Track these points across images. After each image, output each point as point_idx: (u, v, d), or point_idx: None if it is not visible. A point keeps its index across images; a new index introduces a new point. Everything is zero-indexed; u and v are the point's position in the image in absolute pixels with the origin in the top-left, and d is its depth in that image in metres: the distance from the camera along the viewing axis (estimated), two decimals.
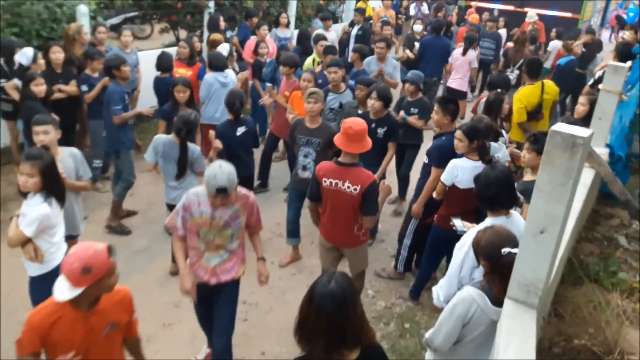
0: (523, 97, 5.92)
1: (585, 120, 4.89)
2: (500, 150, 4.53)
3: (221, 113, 6.25)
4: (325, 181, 3.80)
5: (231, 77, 6.32)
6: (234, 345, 3.67)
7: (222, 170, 3.03)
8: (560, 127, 2.29)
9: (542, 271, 2.37)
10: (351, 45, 8.97)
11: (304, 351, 2.15)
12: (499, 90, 5.66)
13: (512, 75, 8.70)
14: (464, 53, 8.67)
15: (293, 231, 5.15)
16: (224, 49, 6.92)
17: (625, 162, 5.21)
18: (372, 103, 4.98)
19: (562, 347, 3.11)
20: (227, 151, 4.94)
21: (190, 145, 4.47)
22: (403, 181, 6.20)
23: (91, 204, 5.84)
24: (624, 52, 6.09)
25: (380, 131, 5.01)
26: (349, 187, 3.73)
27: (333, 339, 2.06)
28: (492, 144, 4.49)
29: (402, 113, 5.77)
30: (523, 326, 2.34)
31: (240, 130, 4.99)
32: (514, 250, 2.54)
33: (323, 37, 7.45)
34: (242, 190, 3.32)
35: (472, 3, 14.28)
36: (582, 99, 5.25)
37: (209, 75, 6.16)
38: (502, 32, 10.91)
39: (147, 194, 5.79)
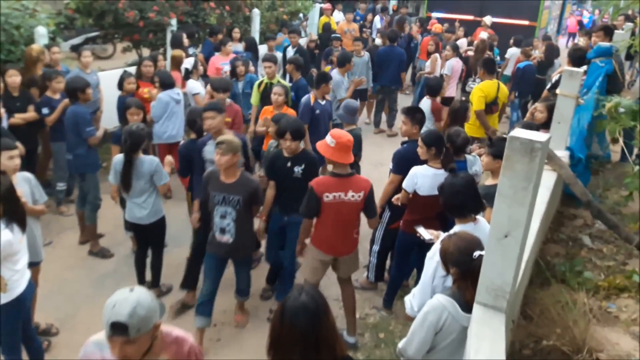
0: (484, 87, 6.47)
1: (545, 124, 5.02)
2: (476, 163, 4.61)
3: (177, 130, 6.26)
4: (327, 196, 3.83)
5: (191, 89, 6.31)
6: None
7: (127, 298, 1.98)
8: (519, 132, 2.35)
9: (509, 275, 2.41)
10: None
11: None
12: (463, 98, 5.83)
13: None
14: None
15: (205, 307, 4.15)
16: (188, 62, 6.89)
17: (586, 163, 5.37)
18: (288, 145, 4.29)
19: (531, 348, 3.16)
20: (192, 171, 4.86)
21: (147, 157, 4.41)
22: None
23: (55, 228, 5.69)
24: (575, 57, 6.31)
25: (298, 170, 4.35)
26: (353, 196, 3.86)
27: (308, 352, 2.03)
28: (468, 157, 4.55)
29: None
30: (493, 330, 2.36)
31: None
32: (483, 253, 2.57)
33: (270, 58, 6.93)
34: (172, 331, 2.27)
35: (433, 14, 14.58)
36: (539, 107, 5.42)
37: (164, 94, 6.13)
38: (462, 41, 11.15)
39: (112, 216, 5.66)
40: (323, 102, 6.13)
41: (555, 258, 4.29)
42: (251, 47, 8.80)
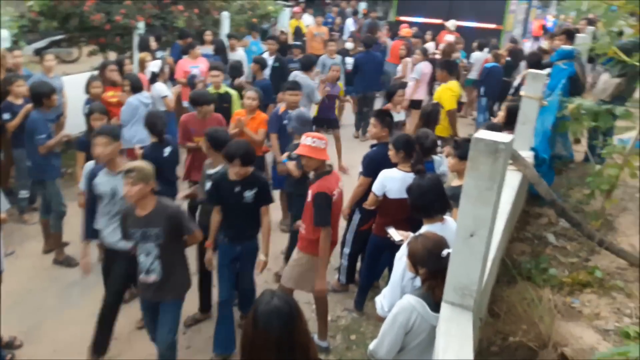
0: (454, 87, 6.73)
1: (510, 126, 5.12)
2: (443, 163, 4.69)
3: (146, 134, 6.17)
4: (334, 196, 3.92)
5: (159, 92, 6.22)
6: None
7: None
8: (483, 134, 2.40)
9: (475, 273, 2.45)
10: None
11: None
12: (434, 101, 5.93)
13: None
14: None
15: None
16: (154, 65, 6.81)
17: (550, 163, 5.50)
18: (237, 171, 3.92)
19: (498, 345, 3.22)
20: (157, 174, 4.74)
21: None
22: (291, 237, 5.05)
23: (18, 237, 5.54)
24: (532, 62, 6.51)
25: (249, 195, 3.99)
26: (341, 186, 4.07)
27: (282, 356, 2.02)
28: (435, 157, 4.63)
29: (284, 155, 5.14)
30: (460, 328, 2.40)
31: (167, 151, 4.86)
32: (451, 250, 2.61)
33: (218, 66, 6.57)
34: None
35: (402, 18, 14.71)
36: (502, 106, 5.55)
37: (133, 98, 6.04)
38: (430, 44, 11.31)
39: (77, 224, 5.50)
40: (294, 112, 5.63)
41: (521, 256, 4.37)
42: (220, 50, 8.75)
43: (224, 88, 6.50)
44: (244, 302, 4.40)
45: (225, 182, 3.98)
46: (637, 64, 4.17)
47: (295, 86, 5.93)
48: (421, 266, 2.77)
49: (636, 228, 4.87)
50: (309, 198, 3.97)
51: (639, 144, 4.66)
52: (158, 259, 3.51)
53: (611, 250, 4.20)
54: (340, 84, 8.20)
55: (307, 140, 3.89)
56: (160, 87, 6.66)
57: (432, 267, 2.71)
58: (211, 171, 4.37)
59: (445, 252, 2.68)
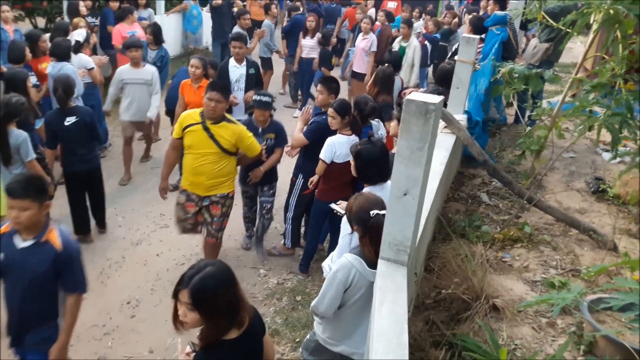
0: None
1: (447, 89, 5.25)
2: (380, 128, 4.79)
3: None
4: None
5: (84, 64, 5.96)
6: (123, 342, 3.51)
7: None
8: (414, 95, 2.47)
9: (409, 230, 2.55)
10: None
11: None
12: (386, 64, 5.89)
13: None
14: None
15: None
16: (79, 34, 6.48)
17: (483, 126, 5.72)
18: None
19: (433, 298, 3.39)
20: (60, 142, 4.73)
21: (16, 130, 4.27)
22: None
23: None
24: (477, 25, 6.62)
25: None
26: None
27: (230, 312, 2.12)
28: (373, 122, 4.72)
29: None
30: (395, 283, 2.51)
31: (70, 120, 4.73)
32: (382, 212, 2.71)
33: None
34: None
35: None
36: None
37: (50, 66, 5.73)
38: (372, 11, 11.31)
39: None
40: None
41: (456, 215, 4.57)
42: None
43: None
44: None
45: None
46: (563, 28, 4.35)
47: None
48: (355, 223, 2.87)
49: (563, 186, 5.19)
50: None
51: (565, 106, 4.90)
52: None
53: (540, 207, 4.45)
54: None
55: None
56: (86, 60, 6.24)
57: (362, 224, 2.81)
58: None
59: (373, 212, 2.77)
